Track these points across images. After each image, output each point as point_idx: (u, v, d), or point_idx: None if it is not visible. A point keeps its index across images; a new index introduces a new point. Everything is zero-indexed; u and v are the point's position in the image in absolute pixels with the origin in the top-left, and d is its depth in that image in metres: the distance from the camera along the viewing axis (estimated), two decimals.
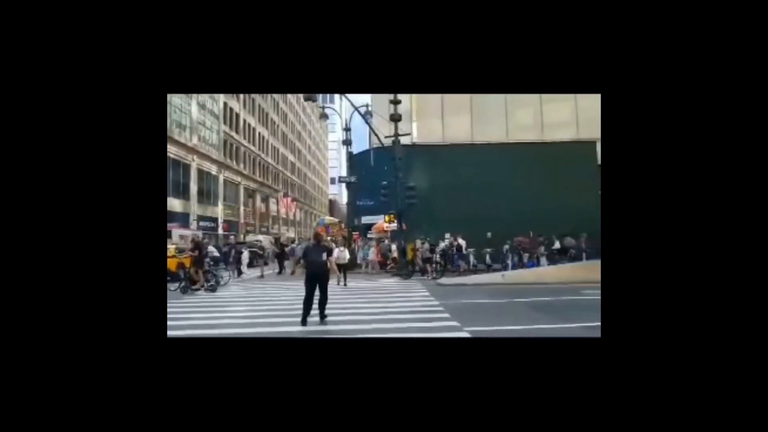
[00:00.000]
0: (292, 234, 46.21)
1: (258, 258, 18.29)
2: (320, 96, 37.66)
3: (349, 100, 16.62)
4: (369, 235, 19.95)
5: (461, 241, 15.54)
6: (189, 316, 7.54)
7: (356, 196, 19.61)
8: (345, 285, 11.86)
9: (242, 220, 35.59)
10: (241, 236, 31.20)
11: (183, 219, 26.58)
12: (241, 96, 36.97)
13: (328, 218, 33.74)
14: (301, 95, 47.15)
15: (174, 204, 25.46)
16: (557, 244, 15.50)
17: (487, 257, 15.54)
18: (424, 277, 14.18)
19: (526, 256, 15.41)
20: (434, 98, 19.03)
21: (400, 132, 16.14)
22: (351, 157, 20.29)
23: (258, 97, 41.19)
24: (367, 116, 17.44)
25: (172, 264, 12.53)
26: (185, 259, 12.32)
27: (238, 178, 36.29)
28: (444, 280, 12.63)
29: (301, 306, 6.54)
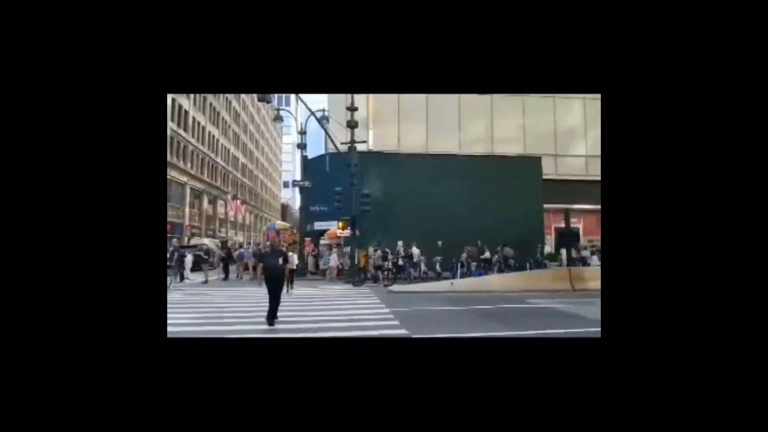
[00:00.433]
0: (240, 238, 44.51)
1: (202, 262, 17.40)
2: (275, 98, 36.86)
3: (305, 104, 16.38)
4: (322, 241, 19.67)
5: (415, 250, 15.73)
6: None
7: (309, 201, 19.28)
8: (289, 291, 11.36)
9: (187, 222, 33.78)
10: (186, 239, 29.60)
11: None
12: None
13: (279, 223, 32.88)
14: (254, 95, 45.87)
15: None
16: (486, 254, 15.97)
17: (437, 265, 15.83)
18: (375, 284, 14.15)
19: (474, 265, 15.87)
20: (391, 106, 19.25)
21: (356, 139, 16.12)
22: (305, 162, 19.96)
23: (209, 95, 39.54)
24: (323, 121, 17.27)
25: None
26: None
27: (184, 178, 34.47)
28: (395, 288, 12.68)
29: (244, 314, 6.36)
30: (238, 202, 47.04)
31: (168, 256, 15.61)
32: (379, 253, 14.93)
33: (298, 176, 18.68)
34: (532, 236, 17.56)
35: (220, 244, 24.82)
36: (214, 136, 41.63)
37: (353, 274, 14.85)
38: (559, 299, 10.11)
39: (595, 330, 6.48)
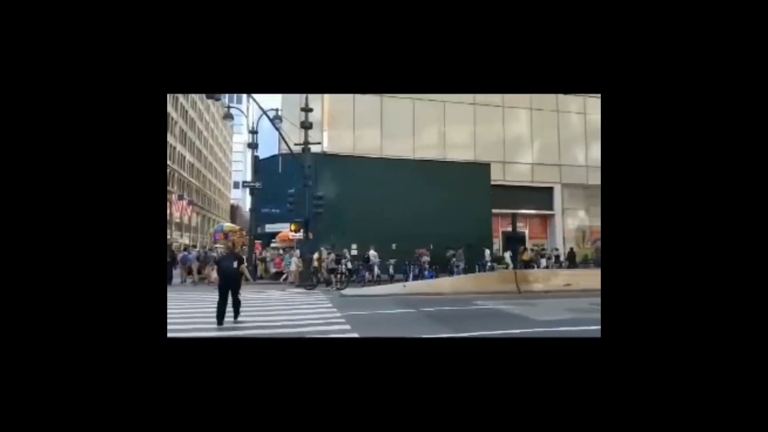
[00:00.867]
0: (186, 240, 42.29)
1: None
2: (226, 95, 35.46)
3: (257, 103, 15.92)
4: (273, 244, 19.16)
5: (372, 253, 15.73)
6: None
7: (260, 202, 18.72)
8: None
9: None
10: None
11: None
12: None
13: (227, 225, 31.58)
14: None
15: None
16: (425, 258, 16.13)
17: (391, 268, 15.94)
18: (328, 288, 14.00)
19: (426, 268, 16.16)
20: (347, 109, 19.19)
21: (310, 140, 15.89)
22: (257, 162, 19.37)
23: None
24: (276, 121, 16.86)
25: None
26: None
27: None
28: (348, 291, 12.60)
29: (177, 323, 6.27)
30: (184, 202, 44.72)
31: None
32: (332, 256, 14.78)
33: (248, 177, 18.04)
34: (482, 240, 18.18)
35: None
36: None
37: (306, 278, 14.58)
38: (505, 301, 10.52)
39: (539, 330, 6.81)
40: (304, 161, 15.54)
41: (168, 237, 38.82)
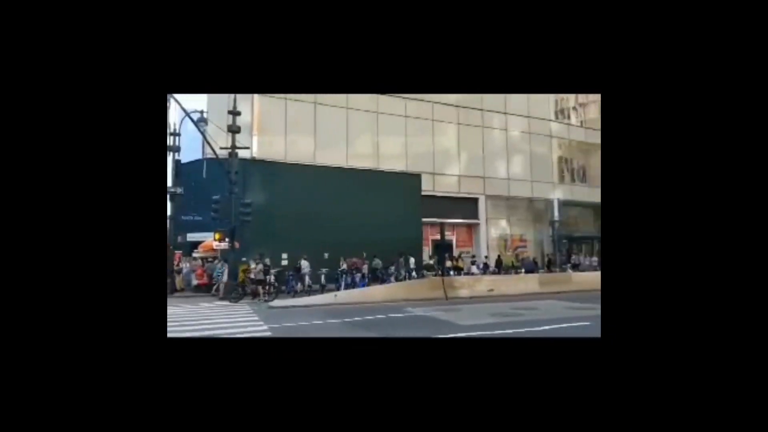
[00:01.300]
0: None
1: None
2: None
3: (179, 104, 14.91)
4: (195, 254, 17.92)
5: (304, 263, 15.31)
6: None
7: (182, 209, 17.46)
8: None
9: None
10: None
11: None
12: None
13: None
14: None
15: None
16: (343, 266, 15.88)
17: (323, 278, 15.69)
18: (255, 300, 13.38)
19: (358, 277, 16.14)
20: (278, 114, 18.70)
21: (238, 144, 15.20)
22: (178, 166, 18.07)
23: None
24: (201, 124, 15.91)
25: None
26: None
27: None
28: (276, 303, 12.15)
29: None
30: None
31: None
32: (260, 266, 14.17)
33: (170, 182, 16.76)
34: (413, 248, 18.62)
35: None
36: None
37: (230, 290, 13.81)
38: (434, 307, 10.84)
39: (461, 335, 7.08)
40: (230, 167, 14.80)
41: None
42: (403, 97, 20.53)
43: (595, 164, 26.65)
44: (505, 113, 23.44)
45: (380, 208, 18.27)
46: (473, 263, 20.04)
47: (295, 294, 14.45)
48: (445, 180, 21.94)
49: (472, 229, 22.99)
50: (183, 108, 15.07)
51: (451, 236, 22.03)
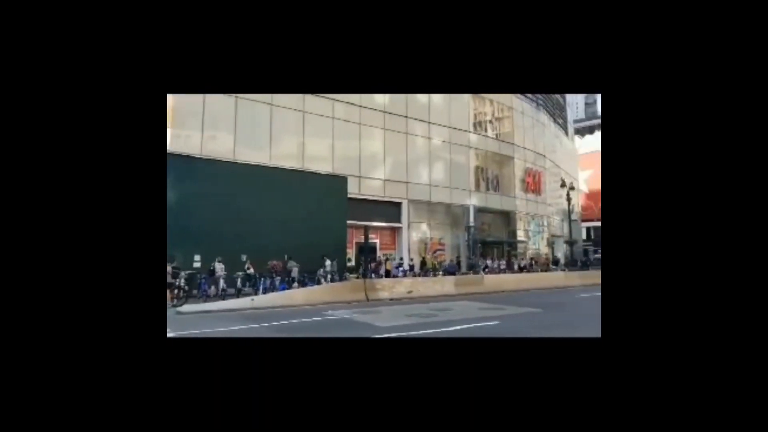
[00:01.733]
0: None
1: None
2: None
3: None
4: None
5: (218, 265, 14.44)
6: None
7: None
8: None
9: None
10: None
11: None
12: None
13: None
14: None
15: None
16: (250, 270, 15.05)
17: (239, 281, 14.95)
18: None
19: (278, 280, 15.66)
20: (195, 107, 17.49)
21: None
22: None
23: None
24: None
25: None
26: None
27: None
28: (186, 308, 11.33)
29: None
30: None
31: None
32: (169, 269, 13.08)
33: None
34: (337, 250, 18.54)
35: None
36: None
37: None
38: (355, 309, 10.91)
39: (377, 336, 7.23)
40: None
41: None
42: (331, 98, 20.44)
43: (507, 174, 28.90)
44: (428, 122, 24.43)
45: (305, 210, 17.93)
46: (400, 266, 20.62)
47: (208, 298, 13.59)
48: (370, 183, 22.21)
49: (395, 232, 23.55)
50: None
51: (375, 239, 22.34)
